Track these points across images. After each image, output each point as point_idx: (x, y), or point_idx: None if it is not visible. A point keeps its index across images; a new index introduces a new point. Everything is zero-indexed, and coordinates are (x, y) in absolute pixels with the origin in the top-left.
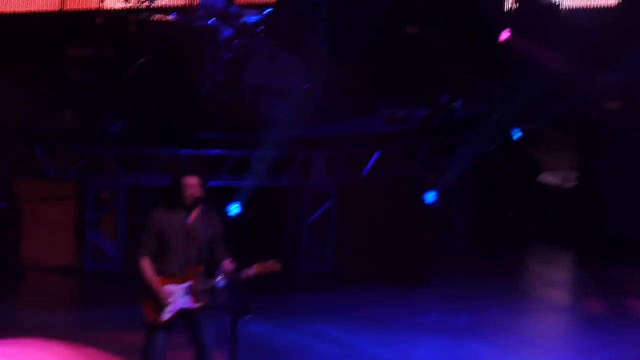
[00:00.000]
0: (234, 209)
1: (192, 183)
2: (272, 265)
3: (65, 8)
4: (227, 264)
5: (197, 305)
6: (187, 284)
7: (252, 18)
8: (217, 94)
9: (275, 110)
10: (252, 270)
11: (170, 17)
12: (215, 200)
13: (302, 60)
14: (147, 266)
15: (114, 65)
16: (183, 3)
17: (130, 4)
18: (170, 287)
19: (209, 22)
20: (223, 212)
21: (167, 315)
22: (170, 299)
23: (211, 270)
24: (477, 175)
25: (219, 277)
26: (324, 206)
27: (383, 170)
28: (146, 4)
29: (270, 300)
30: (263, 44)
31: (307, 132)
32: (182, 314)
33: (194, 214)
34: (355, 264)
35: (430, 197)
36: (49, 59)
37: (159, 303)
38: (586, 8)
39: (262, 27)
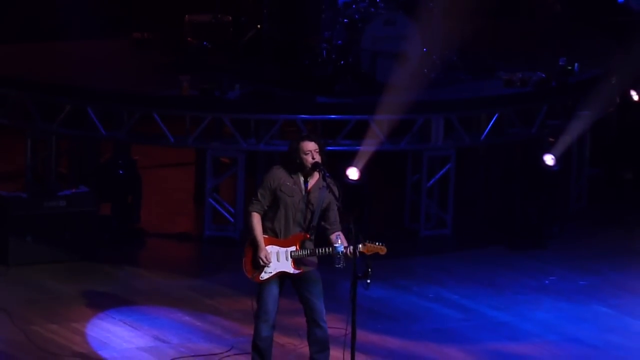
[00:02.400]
0: (353, 174)
1: (310, 148)
2: (378, 247)
3: None
4: (335, 238)
5: (297, 271)
6: (290, 249)
7: None
8: (335, 59)
9: (393, 75)
10: (359, 248)
11: None
12: (334, 165)
13: (419, 24)
14: (256, 222)
15: (231, 31)
16: None
17: None
18: (272, 248)
19: None
20: (341, 178)
21: (265, 275)
22: (270, 260)
23: (319, 239)
24: (595, 137)
25: (338, 243)
26: (443, 170)
27: (501, 133)
28: None
29: (389, 264)
30: (380, 8)
31: (426, 96)
32: (284, 277)
33: (313, 180)
34: (474, 228)
35: (548, 159)
36: (166, 26)
37: (259, 262)
38: None
39: None
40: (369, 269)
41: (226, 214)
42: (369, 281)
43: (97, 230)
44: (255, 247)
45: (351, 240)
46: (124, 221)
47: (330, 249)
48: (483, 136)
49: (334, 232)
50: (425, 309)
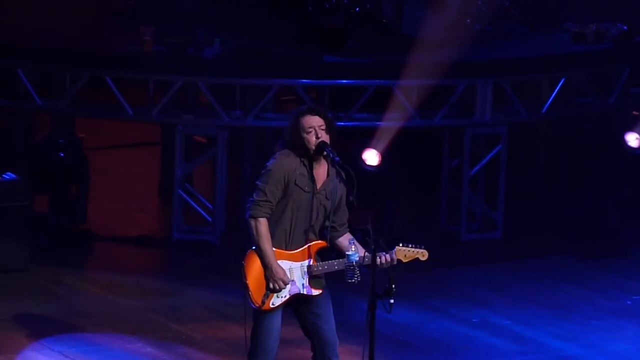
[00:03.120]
0: (371, 158)
1: (313, 124)
2: (417, 252)
3: None
4: (348, 243)
5: (317, 292)
6: (305, 263)
7: None
8: (347, 5)
9: (425, 26)
10: (390, 257)
11: None
12: (346, 147)
13: None
14: (266, 230)
15: None
16: None
17: None
18: (283, 264)
19: None
20: (357, 163)
21: (277, 301)
22: (286, 280)
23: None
24: None
25: (351, 250)
26: (491, 153)
27: (569, 105)
28: None
29: (419, 278)
30: None
31: (469, 55)
32: (295, 300)
33: (322, 167)
34: (532, 230)
35: (631, 140)
36: None
37: (271, 284)
38: None
39: None
40: (392, 284)
41: (202, 211)
42: (392, 301)
43: (30, 231)
44: (265, 264)
45: (369, 246)
46: (66, 220)
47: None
48: (545, 108)
49: (343, 236)
50: (466, 338)
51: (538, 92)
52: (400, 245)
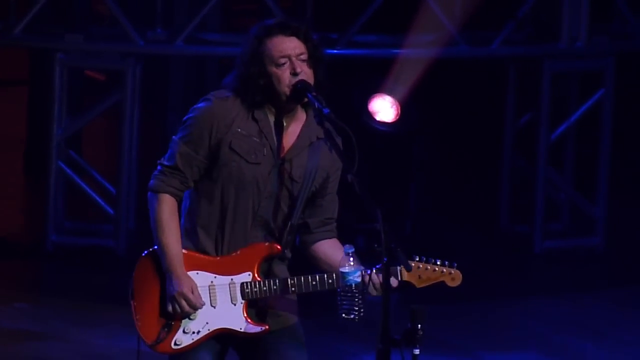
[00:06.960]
0: (384, 110)
1: (287, 51)
2: (443, 272)
3: None
4: (344, 255)
5: (256, 329)
6: (239, 278)
7: None
8: None
9: None
10: (398, 275)
11: None
12: (343, 90)
13: None
14: (165, 214)
15: None
16: None
17: None
18: (200, 277)
19: None
20: (360, 119)
21: (184, 338)
22: (199, 303)
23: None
24: None
25: (348, 266)
26: (586, 103)
27: None
28: None
29: (467, 313)
30: None
31: None
32: (225, 341)
33: (296, 124)
34: None
35: None
36: None
37: (169, 303)
38: None
39: None
40: (417, 324)
41: (97, 198)
42: (417, 351)
43: None
44: (164, 269)
45: (379, 256)
46: None
47: (330, 278)
48: None
49: (325, 242)
50: None
51: None
52: (417, 259)
